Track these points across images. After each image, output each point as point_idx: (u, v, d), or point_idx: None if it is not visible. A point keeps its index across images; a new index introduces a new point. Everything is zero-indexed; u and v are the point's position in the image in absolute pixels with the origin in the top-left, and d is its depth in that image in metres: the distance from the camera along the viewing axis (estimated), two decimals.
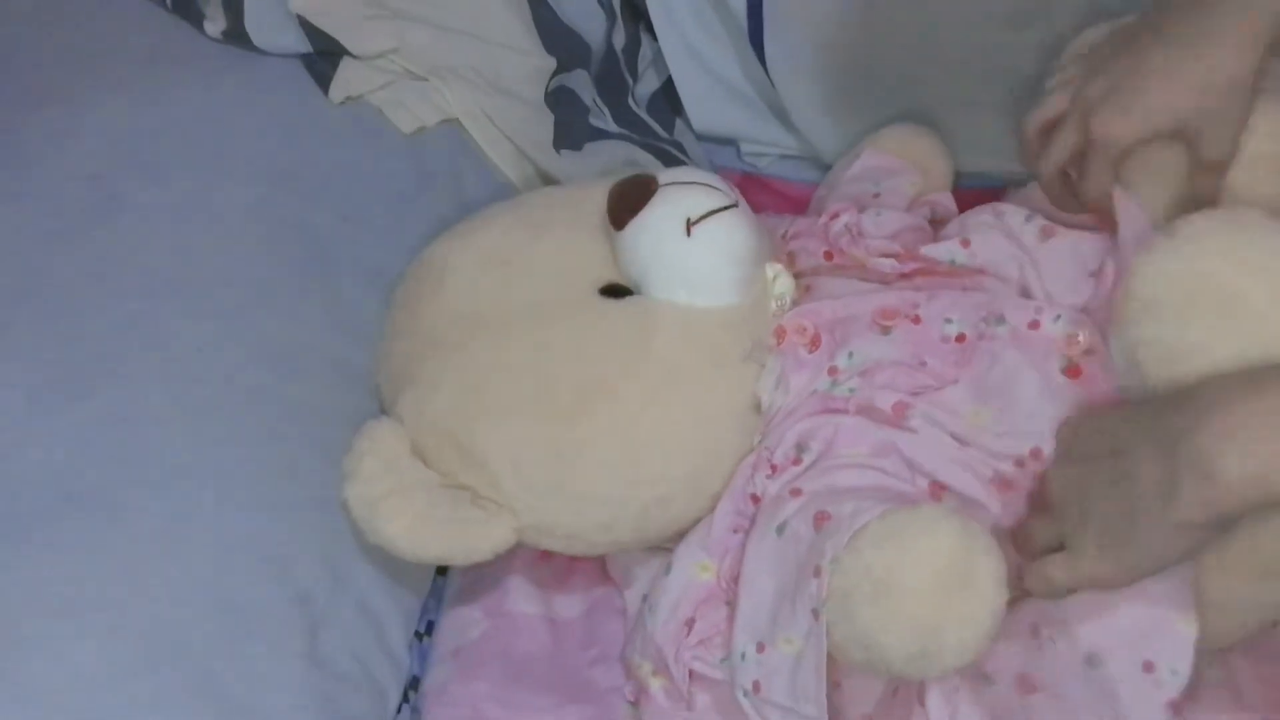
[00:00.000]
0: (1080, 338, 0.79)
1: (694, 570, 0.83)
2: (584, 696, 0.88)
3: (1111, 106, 0.77)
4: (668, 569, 0.84)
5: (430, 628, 0.91)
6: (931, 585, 0.68)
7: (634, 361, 0.82)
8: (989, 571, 0.69)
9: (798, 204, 1.15)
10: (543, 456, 0.81)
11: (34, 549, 0.72)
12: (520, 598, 0.92)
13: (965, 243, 0.87)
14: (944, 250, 0.88)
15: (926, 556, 0.68)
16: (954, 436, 0.79)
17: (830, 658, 0.72)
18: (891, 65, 1.12)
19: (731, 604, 0.80)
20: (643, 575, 0.89)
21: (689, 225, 0.82)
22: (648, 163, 1.12)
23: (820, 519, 0.75)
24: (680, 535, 0.85)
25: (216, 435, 0.81)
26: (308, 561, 0.80)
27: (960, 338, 0.82)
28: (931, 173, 1.10)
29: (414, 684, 0.87)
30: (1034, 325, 0.81)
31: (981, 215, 0.92)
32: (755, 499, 0.82)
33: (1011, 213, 0.90)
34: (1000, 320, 0.81)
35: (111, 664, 0.70)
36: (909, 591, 0.68)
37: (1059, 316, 0.81)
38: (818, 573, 0.71)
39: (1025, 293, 0.86)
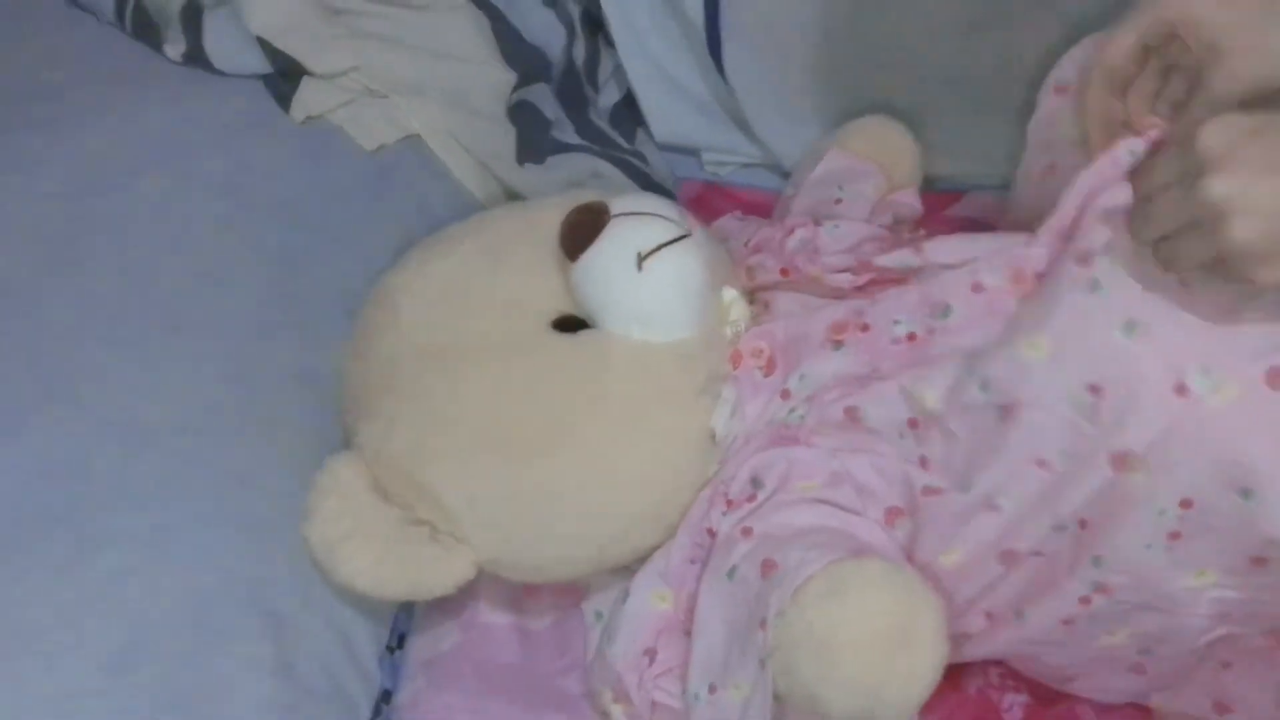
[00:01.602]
0: (1025, 271, 0.77)
1: (652, 599, 0.83)
2: (556, 705, 0.88)
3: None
4: (625, 596, 0.84)
5: (402, 640, 0.91)
6: (872, 645, 0.69)
7: (587, 401, 0.82)
8: (930, 627, 0.70)
9: (760, 212, 1.16)
10: (498, 496, 0.82)
11: (2, 571, 0.72)
12: (491, 609, 0.93)
13: (918, 250, 0.87)
14: (897, 259, 0.87)
15: (867, 616, 0.69)
16: (909, 422, 0.79)
17: (781, 699, 0.73)
18: (850, 72, 1.13)
19: (690, 635, 0.80)
20: (599, 587, 0.90)
21: (640, 260, 0.82)
22: (610, 174, 1.13)
23: (767, 567, 0.75)
24: (642, 558, 0.85)
25: (183, 452, 0.81)
26: (276, 577, 0.80)
27: (911, 336, 0.82)
28: (898, 168, 1.10)
29: (386, 697, 0.87)
30: (976, 288, 0.80)
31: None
32: (712, 533, 0.82)
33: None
34: (946, 311, 0.80)
35: (80, 684, 0.70)
36: (850, 651, 0.69)
37: (996, 268, 0.79)
38: (764, 625, 0.72)
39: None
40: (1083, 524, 0.71)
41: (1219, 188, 0.58)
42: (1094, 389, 0.67)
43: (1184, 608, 0.71)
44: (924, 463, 0.78)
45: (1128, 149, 0.72)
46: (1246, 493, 0.64)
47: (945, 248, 0.85)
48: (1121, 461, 0.67)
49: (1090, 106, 0.75)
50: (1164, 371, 0.65)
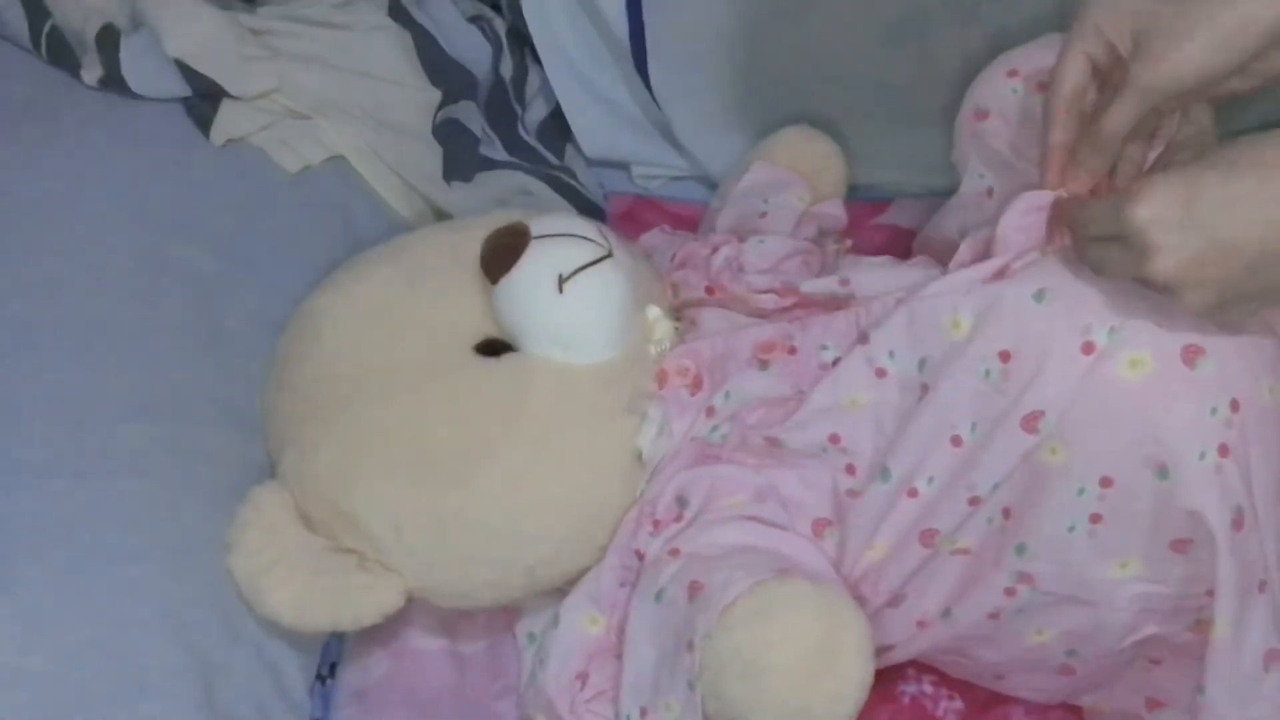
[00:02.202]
0: None
1: (583, 623, 0.83)
2: None
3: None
4: (556, 621, 0.84)
5: (333, 669, 0.90)
6: (798, 667, 0.69)
7: (511, 424, 0.82)
8: (855, 647, 0.71)
9: (690, 224, 1.16)
10: (424, 522, 0.81)
11: None
12: (423, 634, 0.92)
13: (844, 282, 0.87)
14: (822, 285, 0.88)
15: (793, 637, 0.70)
16: (830, 438, 0.80)
17: None
18: (774, 82, 1.14)
19: (622, 658, 0.80)
20: (531, 608, 0.90)
21: (560, 282, 0.82)
22: (539, 190, 1.13)
23: (694, 589, 0.75)
24: (572, 580, 0.85)
25: (103, 486, 0.80)
26: (201, 611, 0.79)
27: (836, 363, 0.82)
28: (823, 178, 1.11)
29: None
30: None
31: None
32: (640, 554, 0.82)
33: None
34: (867, 340, 0.80)
35: None
36: (777, 673, 0.69)
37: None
38: (691, 647, 0.73)
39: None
40: (1006, 513, 0.72)
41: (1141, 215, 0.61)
42: (1004, 355, 0.68)
43: (1108, 601, 0.72)
44: (850, 469, 0.79)
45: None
46: (1163, 471, 0.65)
47: (870, 280, 0.86)
48: (1032, 423, 0.67)
49: (1053, 139, 0.73)
50: (1072, 332, 0.66)
